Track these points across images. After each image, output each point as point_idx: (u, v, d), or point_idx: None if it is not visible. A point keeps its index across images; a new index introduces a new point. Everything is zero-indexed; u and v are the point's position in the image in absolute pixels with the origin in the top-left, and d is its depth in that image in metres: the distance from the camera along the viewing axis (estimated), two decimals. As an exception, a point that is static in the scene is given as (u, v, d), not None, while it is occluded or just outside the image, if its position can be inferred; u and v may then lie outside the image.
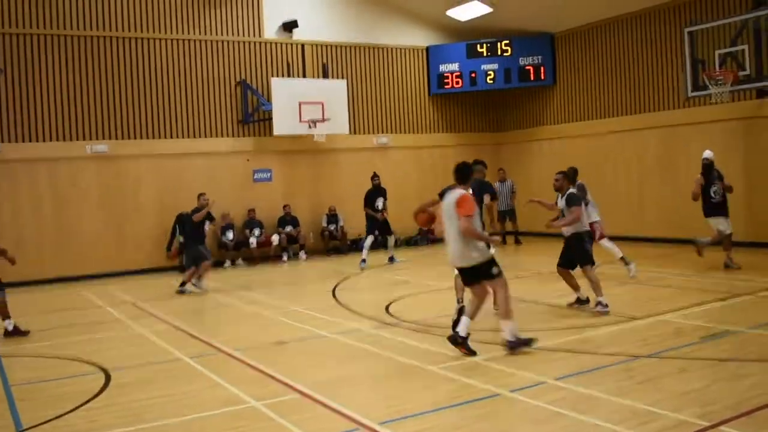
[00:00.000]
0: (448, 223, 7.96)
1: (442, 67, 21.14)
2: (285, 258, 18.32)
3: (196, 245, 14.04)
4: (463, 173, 8.11)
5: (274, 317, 10.76)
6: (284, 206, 18.75)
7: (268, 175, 19.00)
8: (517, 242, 19.33)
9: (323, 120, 18.52)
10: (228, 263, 17.84)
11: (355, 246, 19.55)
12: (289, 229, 18.65)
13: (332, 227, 19.29)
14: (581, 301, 10.13)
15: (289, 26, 19.15)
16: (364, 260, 16.18)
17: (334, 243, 19.41)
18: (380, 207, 16.93)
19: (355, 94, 20.23)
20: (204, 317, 11.73)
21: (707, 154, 12.91)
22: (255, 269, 17.28)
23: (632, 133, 18.38)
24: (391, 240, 17.23)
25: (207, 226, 14.38)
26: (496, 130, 22.63)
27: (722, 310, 9.60)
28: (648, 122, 17.97)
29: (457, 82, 21.02)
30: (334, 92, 19.02)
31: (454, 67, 21.03)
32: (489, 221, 10.32)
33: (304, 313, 10.85)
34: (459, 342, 7.77)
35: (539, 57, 20.62)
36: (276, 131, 18.25)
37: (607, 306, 9.62)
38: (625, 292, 11.19)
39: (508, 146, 22.26)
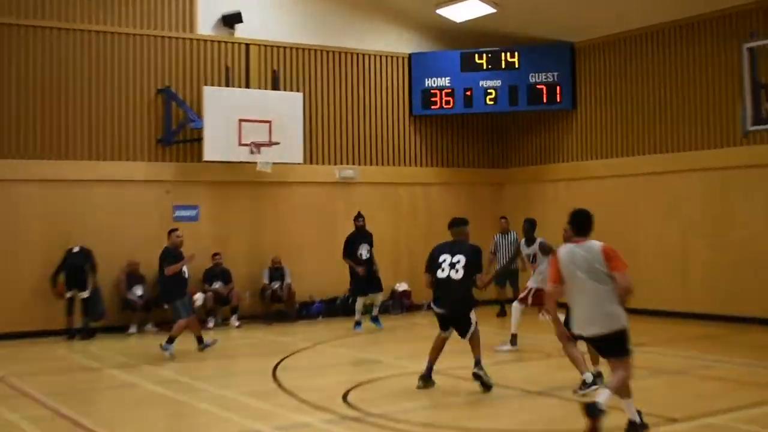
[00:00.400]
0: (583, 280, 8.24)
1: (429, 82, 21.20)
2: (211, 324, 18.00)
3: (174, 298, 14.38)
4: (588, 223, 8.71)
5: (192, 404, 10.47)
6: (213, 255, 18.51)
7: (194, 213, 18.81)
8: (502, 313, 19.05)
9: (270, 144, 18.40)
10: (133, 328, 17.51)
11: (306, 311, 19.40)
12: (218, 285, 18.37)
13: (276, 285, 19.10)
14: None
15: (231, 20, 19.13)
16: (358, 323, 16.99)
17: (278, 306, 19.23)
18: (365, 257, 17.19)
19: (314, 112, 20.19)
20: (98, 400, 11.38)
21: None
22: (170, 338, 16.99)
23: (672, 176, 18.48)
24: (379, 298, 17.63)
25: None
26: (496, 166, 22.64)
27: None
28: (693, 163, 18.06)
29: (448, 102, 21.06)
30: (286, 108, 18.94)
31: (445, 81, 21.09)
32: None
33: (234, 400, 10.57)
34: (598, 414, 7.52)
35: (555, 73, 20.76)
36: (207, 156, 18.13)
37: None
38: (662, 385, 11.09)
39: (513, 187, 22.24)
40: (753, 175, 16.76)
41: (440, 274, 10.82)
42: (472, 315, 10.88)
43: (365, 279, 17.13)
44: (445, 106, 21.14)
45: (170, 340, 14.05)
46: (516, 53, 20.82)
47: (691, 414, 9.30)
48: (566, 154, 21.18)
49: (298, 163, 19.31)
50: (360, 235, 17.43)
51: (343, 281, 18.90)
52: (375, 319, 17.46)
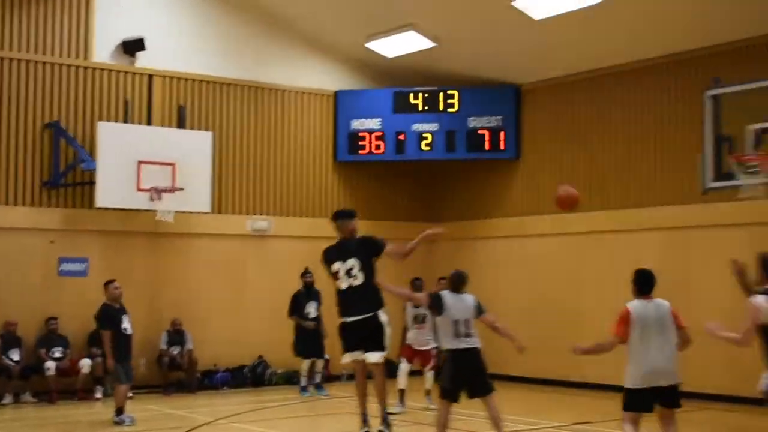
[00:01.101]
0: (657, 333, 9.91)
1: (356, 123, 21.19)
2: (99, 395, 17.57)
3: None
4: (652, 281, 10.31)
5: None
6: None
7: (82, 266, 18.45)
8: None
9: (173, 190, 18.17)
10: (8, 398, 16.99)
11: (209, 381, 19.07)
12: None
13: (175, 351, 18.78)
14: None
15: (132, 47, 18.95)
16: (305, 388, 17.91)
17: (177, 375, 18.90)
18: (312, 315, 17.90)
19: (225, 154, 20.07)
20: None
21: None
22: (50, 409, 16.51)
23: (626, 235, 18.67)
24: (321, 364, 18.28)
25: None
26: (429, 220, 22.55)
27: None
28: (649, 221, 18.30)
29: (378, 146, 21.04)
30: (192, 149, 18.75)
31: (374, 123, 21.09)
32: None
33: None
34: None
35: (498, 118, 20.89)
36: (99, 202, 17.82)
37: None
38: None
39: (449, 244, 22.16)
40: (712, 235, 16.97)
41: (341, 286, 11.39)
42: (384, 317, 11.41)
43: (311, 340, 17.82)
44: (374, 151, 21.10)
45: (119, 411, 14.30)
46: (455, 94, 20.94)
47: None
48: (509, 209, 21.29)
49: (205, 213, 19.13)
50: (308, 293, 17.97)
51: (253, 347, 18.84)
52: (318, 387, 17.99)
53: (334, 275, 11.50)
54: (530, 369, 19.91)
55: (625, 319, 10.01)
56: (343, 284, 11.35)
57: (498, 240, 21.33)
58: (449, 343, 11.28)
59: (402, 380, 15.50)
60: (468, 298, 11.45)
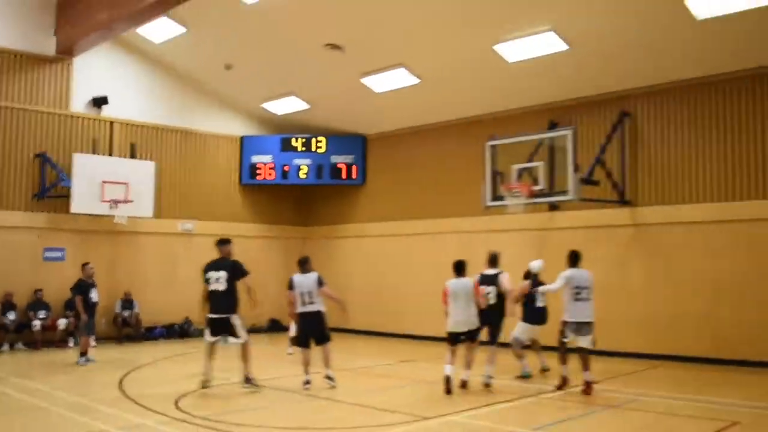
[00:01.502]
0: (463, 299, 11.20)
1: (255, 158, 21.21)
2: (71, 344, 17.14)
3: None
4: (462, 267, 11.55)
5: (52, 409, 9.96)
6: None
7: (61, 254, 17.97)
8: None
9: (126, 201, 17.92)
10: (6, 346, 16.48)
11: (151, 334, 18.87)
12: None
13: (126, 314, 18.44)
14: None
15: (99, 102, 18.60)
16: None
17: (128, 330, 18.52)
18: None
19: (163, 177, 19.75)
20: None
21: (536, 266, 12.66)
22: (36, 355, 16.07)
23: (434, 236, 19.13)
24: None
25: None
26: (305, 225, 22.81)
27: (510, 411, 9.95)
28: (450, 227, 18.80)
29: (270, 174, 21.12)
30: (140, 173, 18.52)
31: (268, 158, 21.15)
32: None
33: (86, 406, 10.12)
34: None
35: (351, 156, 21.19)
36: (74, 209, 17.44)
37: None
38: (419, 391, 11.36)
39: (316, 241, 22.45)
40: (489, 238, 17.43)
41: (210, 287, 11.33)
42: (237, 321, 11.31)
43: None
44: (267, 178, 21.17)
45: (82, 354, 14.28)
46: (323, 140, 21.15)
47: (438, 413, 9.54)
48: (357, 218, 21.55)
49: (148, 218, 18.84)
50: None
51: (182, 311, 18.64)
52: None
53: (207, 281, 11.34)
54: (370, 324, 20.34)
55: (445, 292, 11.36)
56: (211, 287, 11.29)
57: (349, 239, 21.58)
58: (300, 308, 11.53)
59: (292, 332, 14.96)
60: (311, 276, 11.59)
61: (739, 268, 14.06)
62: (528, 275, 12.74)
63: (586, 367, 11.05)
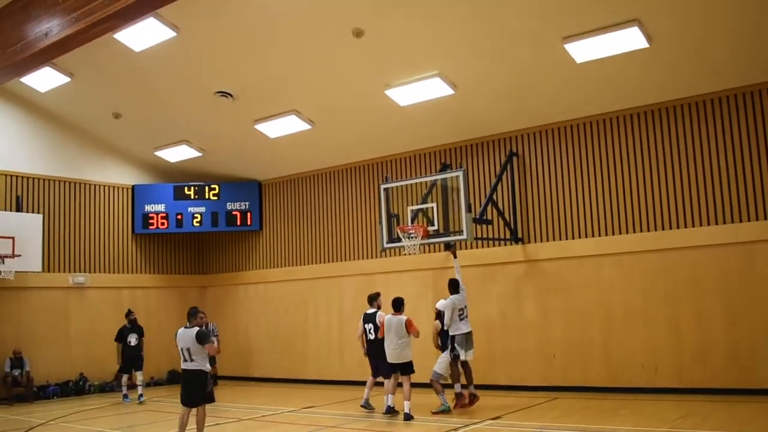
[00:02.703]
0: (395, 333, 12.79)
1: (148, 207, 20.76)
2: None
3: None
4: (400, 304, 13.15)
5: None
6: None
7: (-58, 314, 17.01)
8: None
9: (13, 256, 17.12)
10: None
11: (43, 393, 18.07)
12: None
13: (16, 372, 17.55)
14: None
15: (-19, 154, 17.87)
16: (126, 395, 17.18)
17: (18, 390, 17.61)
18: (133, 343, 17.33)
19: (52, 229, 19.09)
20: None
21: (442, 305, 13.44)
22: None
23: (331, 280, 19.13)
24: (140, 376, 17.36)
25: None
26: (202, 273, 22.41)
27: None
28: (349, 270, 18.85)
29: (163, 223, 20.69)
30: (27, 227, 17.68)
31: (161, 207, 20.74)
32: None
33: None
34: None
35: (246, 203, 21.01)
36: (-44, 266, 16.56)
37: None
38: None
39: (214, 289, 22.09)
40: (388, 279, 17.69)
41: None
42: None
43: (132, 359, 17.17)
44: (160, 227, 20.73)
45: None
46: (217, 187, 20.91)
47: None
48: (255, 264, 21.32)
49: (37, 271, 18.04)
50: (132, 327, 17.40)
51: (75, 366, 18.04)
52: (140, 396, 17.01)
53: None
54: (274, 371, 20.10)
55: (382, 324, 12.98)
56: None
57: (249, 286, 21.31)
58: (182, 365, 10.52)
59: None
60: (190, 331, 10.38)
61: (628, 299, 14.60)
62: (438, 315, 13.64)
63: (471, 380, 12.99)
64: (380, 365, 13.28)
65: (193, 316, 10.73)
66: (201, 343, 10.32)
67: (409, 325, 12.84)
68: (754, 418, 11.17)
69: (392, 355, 12.87)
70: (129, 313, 17.53)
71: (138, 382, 17.23)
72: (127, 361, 17.20)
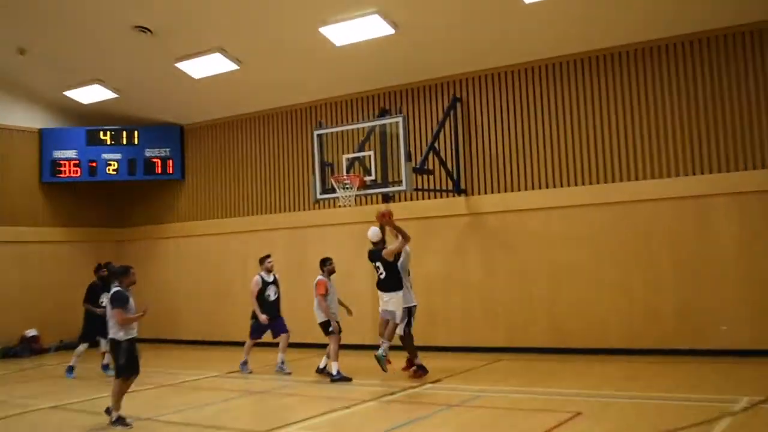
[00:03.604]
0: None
1: (57, 154, 19.99)
2: None
3: None
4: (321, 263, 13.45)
5: None
6: None
7: None
8: None
9: None
10: None
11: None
12: None
13: None
14: None
15: None
16: (71, 369, 14.52)
17: None
18: (104, 304, 14.76)
19: (-52, 178, 18.26)
20: None
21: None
22: None
23: (260, 233, 18.81)
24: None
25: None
26: (120, 226, 21.81)
27: (350, 417, 9.85)
28: (279, 223, 18.56)
29: (75, 171, 19.95)
30: None
31: (72, 154, 19.99)
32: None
33: None
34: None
35: (167, 149, 20.44)
36: None
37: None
38: (250, 404, 11.10)
39: (134, 243, 21.52)
40: (320, 232, 17.64)
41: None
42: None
43: (100, 324, 13.60)
44: (72, 175, 19.95)
45: None
46: (135, 132, 20.23)
47: (271, 426, 9.35)
48: (178, 216, 20.84)
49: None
50: (103, 286, 14.54)
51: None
52: (105, 367, 14.59)
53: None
54: (198, 333, 19.83)
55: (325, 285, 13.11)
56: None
57: (171, 239, 20.83)
58: None
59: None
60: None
61: (576, 255, 14.65)
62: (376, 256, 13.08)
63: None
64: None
65: (123, 274, 9.94)
66: (111, 307, 9.74)
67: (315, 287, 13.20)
68: (703, 379, 11.34)
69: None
70: (99, 268, 15.11)
71: (103, 350, 14.71)
72: (92, 326, 14.43)
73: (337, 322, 13.04)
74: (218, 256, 19.76)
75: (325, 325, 13.02)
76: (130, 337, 9.78)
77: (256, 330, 14.27)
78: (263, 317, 13.95)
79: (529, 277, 15.13)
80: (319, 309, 13.04)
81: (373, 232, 13.12)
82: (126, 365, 9.72)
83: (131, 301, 9.85)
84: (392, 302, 12.52)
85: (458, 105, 16.10)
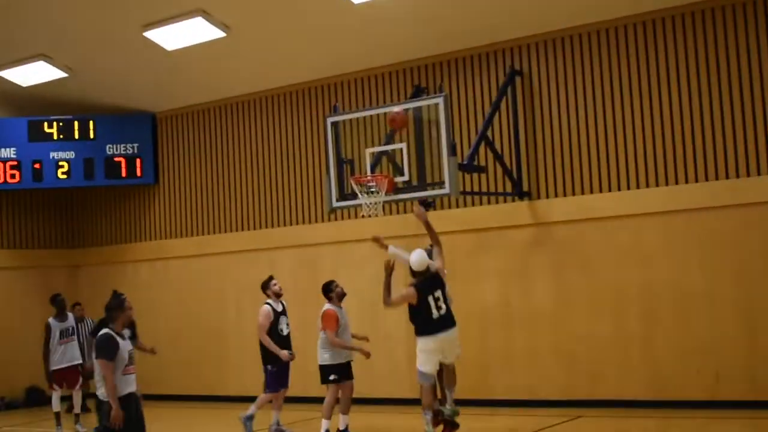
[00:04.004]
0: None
1: (-10, 152, 20.08)
2: None
3: None
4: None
5: None
6: None
7: None
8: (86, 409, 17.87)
9: None
10: None
11: None
12: None
13: None
14: None
15: None
16: None
17: None
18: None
19: None
20: None
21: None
22: None
23: (259, 254, 18.73)
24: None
25: None
26: (74, 246, 21.88)
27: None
28: (281, 240, 18.51)
29: (13, 175, 19.90)
30: None
31: (10, 153, 19.97)
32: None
33: None
34: None
35: (134, 145, 20.43)
36: None
37: None
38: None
39: (94, 269, 21.59)
40: (338, 252, 17.48)
41: None
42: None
43: None
44: (9, 180, 19.91)
45: None
46: (91, 122, 20.27)
47: None
48: (149, 233, 20.87)
49: None
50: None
51: None
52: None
53: None
54: (181, 386, 19.75)
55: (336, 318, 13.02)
56: None
57: (141, 263, 20.85)
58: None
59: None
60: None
61: (683, 276, 14.37)
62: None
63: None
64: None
65: (117, 309, 9.71)
66: (96, 356, 9.19)
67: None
68: None
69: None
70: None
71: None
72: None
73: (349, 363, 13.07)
74: (204, 285, 19.71)
75: (325, 371, 12.94)
76: (125, 393, 9.10)
77: (276, 379, 13.78)
78: (285, 353, 13.52)
79: (616, 306, 14.93)
80: (325, 347, 12.93)
81: (420, 258, 12.13)
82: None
83: (122, 346, 9.33)
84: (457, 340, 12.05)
85: (517, 80, 15.98)
